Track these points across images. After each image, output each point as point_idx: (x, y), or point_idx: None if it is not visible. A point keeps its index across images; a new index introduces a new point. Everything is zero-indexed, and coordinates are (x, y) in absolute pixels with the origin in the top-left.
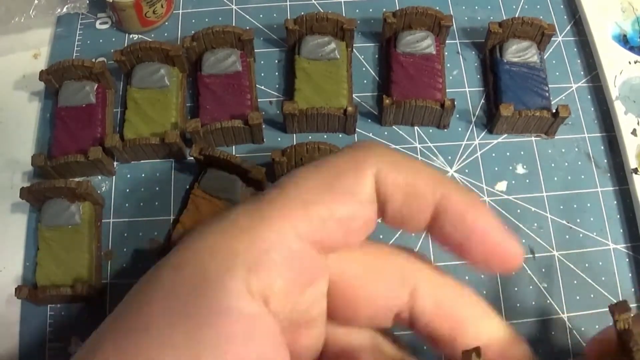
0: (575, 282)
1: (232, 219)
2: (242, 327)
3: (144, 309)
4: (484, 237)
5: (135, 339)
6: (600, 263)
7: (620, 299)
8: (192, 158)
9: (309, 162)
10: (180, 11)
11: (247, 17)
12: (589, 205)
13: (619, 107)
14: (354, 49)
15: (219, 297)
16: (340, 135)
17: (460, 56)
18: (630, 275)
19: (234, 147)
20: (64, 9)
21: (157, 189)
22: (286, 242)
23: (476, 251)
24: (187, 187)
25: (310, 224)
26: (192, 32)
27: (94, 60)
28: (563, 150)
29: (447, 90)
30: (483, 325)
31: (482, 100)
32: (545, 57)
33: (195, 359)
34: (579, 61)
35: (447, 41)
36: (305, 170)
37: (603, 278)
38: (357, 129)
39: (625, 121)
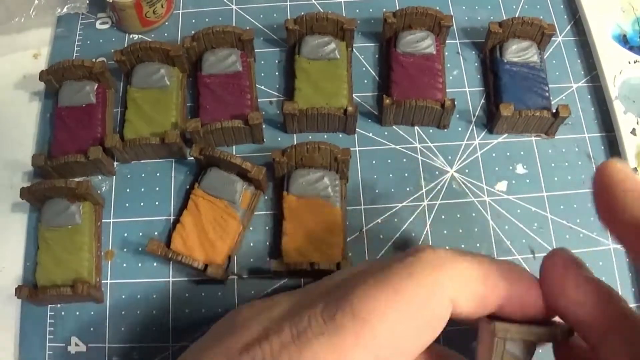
0: None
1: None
2: None
3: None
4: (537, 309)
5: None
6: (601, 263)
7: None
8: (192, 158)
9: (372, 269)
10: (181, 11)
11: (247, 17)
12: (589, 205)
13: (618, 107)
14: (354, 49)
15: None
16: (340, 135)
17: (461, 56)
18: (630, 275)
19: (234, 147)
20: (64, 9)
21: (157, 189)
22: None
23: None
24: (187, 187)
25: (397, 356)
26: (192, 32)
27: (94, 60)
28: (563, 150)
29: (447, 90)
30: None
31: (482, 100)
32: (545, 57)
33: None
34: (579, 61)
35: (447, 41)
36: (386, 297)
37: (603, 278)
38: (357, 129)
39: (624, 121)
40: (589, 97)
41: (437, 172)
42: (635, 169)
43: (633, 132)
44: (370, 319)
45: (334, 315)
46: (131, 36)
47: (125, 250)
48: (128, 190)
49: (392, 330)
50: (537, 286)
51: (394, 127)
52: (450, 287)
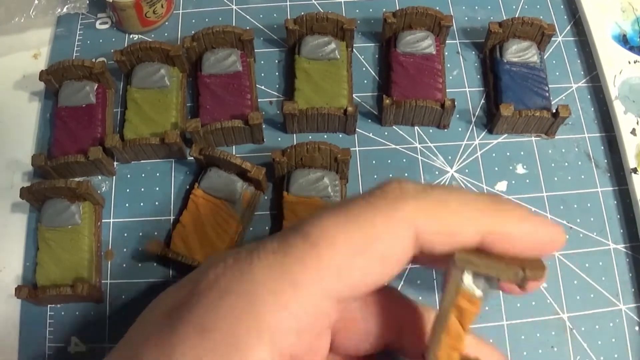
0: (575, 282)
1: (258, 275)
2: None
3: None
4: (531, 243)
5: None
6: (601, 263)
7: (621, 300)
8: (192, 158)
9: (336, 202)
10: (181, 11)
11: (247, 17)
12: (589, 205)
13: (618, 107)
14: (354, 49)
15: None
16: (340, 135)
17: (461, 56)
18: (630, 275)
19: (234, 147)
20: (64, 9)
21: (157, 189)
22: (315, 304)
23: (528, 253)
24: (187, 187)
25: (341, 286)
26: (192, 32)
27: (94, 60)
28: (563, 150)
29: (447, 90)
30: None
31: (482, 100)
32: (545, 57)
33: None
34: (578, 61)
35: (447, 41)
36: (336, 221)
37: (603, 278)
38: (357, 129)
39: (624, 121)
40: (589, 97)
41: (437, 172)
42: (635, 169)
43: (633, 132)
44: (318, 243)
45: (287, 237)
46: (131, 36)
47: (125, 250)
48: (128, 190)
49: (340, 262)
50: (528, 218)
51: (394, 127)
52: (410, 218)
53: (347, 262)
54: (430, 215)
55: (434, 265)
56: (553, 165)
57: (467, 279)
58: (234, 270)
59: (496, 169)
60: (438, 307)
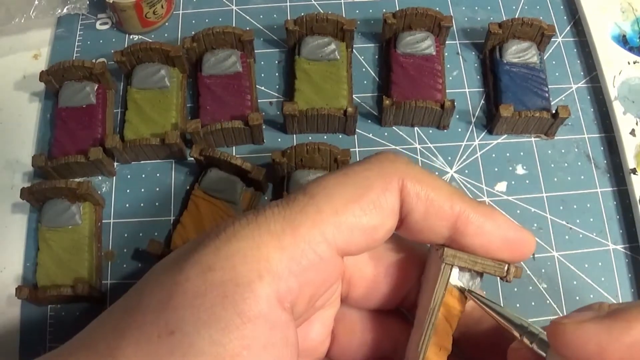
0: (575, 282)
1: (262, 223)
2: (266, 334)
3: (169, 312)
4: (502, 241)
5: (160, 344)
6: (600, 264)
7: (620, 301)
8: (192, 159)
9: (332, 170)
10: (181, 12)
11: (247, 17)
12: (588, 205)
13: (617, 108)
14: (354, 50)
15: (249, 304)
16: (340, 136)
17: (460, 57)
18: (629, 275)
19: (234, 147)
20: (64, 10)
21: (157, 189)
22: (315, 249)
23: (499, 252)
24: (188, 187)
25: (339, 232)
26: (193, 32)
27: (94, 60)
28: (563, 150)
29: (447, 90)
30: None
31: (482, 101)
32: (545, 58)
33: None
34: (578, 62)
35: (447, 42)
36: (335, 179)
37: (602, 279)
38: (357, 130)
39: (624, 121)
40: (589, 97)
41: (436, 173)
42: (634, 169)
43: (632, 132)
44: (316, 194)
45: (290, 195)
46: (131, 37)
47: (125, 250)
48: (128, 190)
49: (336, 207)
50: (501, 215)
51: (393, 127)
52: (399, 177)
53: (342, 208)
54: (415, 179)
55: (412, 237)
56: (553, 165)
57: (454, 275)
58: (241, 221)
59: (496, 169)
60: (419, 306)
